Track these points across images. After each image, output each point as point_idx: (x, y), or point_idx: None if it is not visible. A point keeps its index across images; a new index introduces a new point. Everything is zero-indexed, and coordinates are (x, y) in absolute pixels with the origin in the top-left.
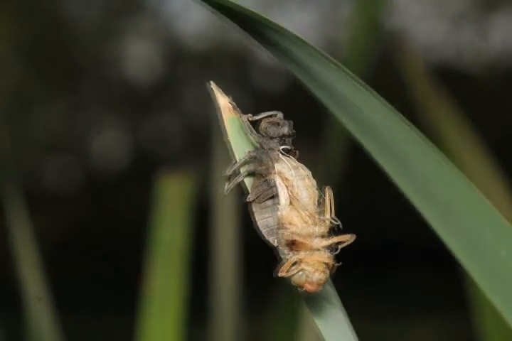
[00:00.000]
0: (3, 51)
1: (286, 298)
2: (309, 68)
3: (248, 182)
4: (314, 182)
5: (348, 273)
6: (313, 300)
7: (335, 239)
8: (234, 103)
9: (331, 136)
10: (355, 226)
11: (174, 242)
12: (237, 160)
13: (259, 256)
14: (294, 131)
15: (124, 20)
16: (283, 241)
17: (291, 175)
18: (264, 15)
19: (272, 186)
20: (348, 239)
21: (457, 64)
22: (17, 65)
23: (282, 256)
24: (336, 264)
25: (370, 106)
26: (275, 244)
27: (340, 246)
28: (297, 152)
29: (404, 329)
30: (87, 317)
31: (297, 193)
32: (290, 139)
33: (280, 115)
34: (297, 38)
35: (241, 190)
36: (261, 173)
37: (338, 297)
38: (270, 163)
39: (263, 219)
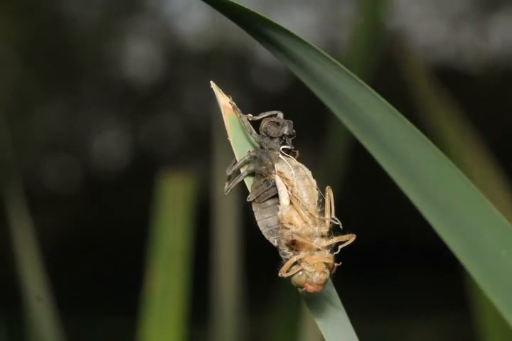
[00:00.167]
0: (3, 51)
1: (286, 298)
2: (310, 68)
3: (248, 182)
4: (314, 182)
5: (348, 273)
6: (314, 300)
7: (335, 239)
8: (234, 103)
9: (331, 136)
10: (355, 226)
11: (175, 242)
12: (238, 160)
13: (260, 256)
14: (294, 131)
15: (124, 20)
16: (283, 241)
17: (292, 175)
18: (264, 16)
19: (272, 186)
20: (348, 239)
21: (457, 64)
22: (17, 65)
23: (283, 256)
24: (336, 264)
25: (370, 105)
26: (275, 244)
27: (340, 246)
28: (297, 152)
29: (404, 329)
30: (87, 317)
31: (297, 193)
32: (290, 139)
33: (280, 115)
34: (297, 38)
35: (242, 190)
36: (261, 173)
37: (338, 297)
38: (270, 162)
39: (263, 219)
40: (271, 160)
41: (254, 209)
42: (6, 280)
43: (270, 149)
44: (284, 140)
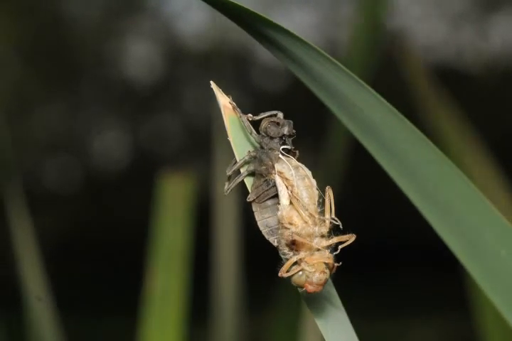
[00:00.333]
0: (3, 51)
1: (286, 298)
2: (310, 68)
3: (248, 182)
4: (314, 182)
5: (348, 273)
6: (314, 300)
7: (335, 239)
8: (234, 103)
9: (331, 136)
10: (355, 226)
11: (175, 242)
12: (238, 160)
13: (260, 256)
14: (294, 131)
15: (124, 20)
16: (283, 241)
17: (291, 175)
18: (264, 16)
19: (272, 186)
20: (348, 239)
21: (457, 64)
22: (17, 65)
23: (283, 256)
24: (336, 264)
25: (370, 105)
26: (275, 244)
27: (340, 246)
28: (297, 152)
29: (404, 329)
30: (87, 317)
31: (297, 193)
32: (290, 139)
33: (280, 115)
34: (297, 38)
35: (242, 190)
36: (261, 173)
37: (338, 297)
38: (270, 162)
39: (263, 219)
40: (271, 160)
41: (254, 209)
42: (6, 280)
43: (270, 149)
44: (284, 140)
